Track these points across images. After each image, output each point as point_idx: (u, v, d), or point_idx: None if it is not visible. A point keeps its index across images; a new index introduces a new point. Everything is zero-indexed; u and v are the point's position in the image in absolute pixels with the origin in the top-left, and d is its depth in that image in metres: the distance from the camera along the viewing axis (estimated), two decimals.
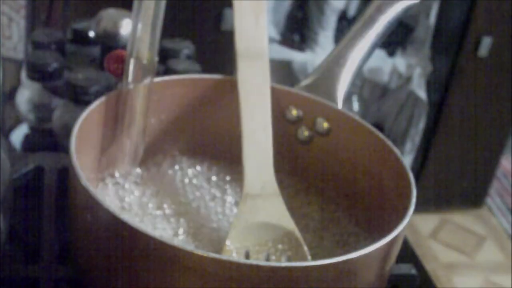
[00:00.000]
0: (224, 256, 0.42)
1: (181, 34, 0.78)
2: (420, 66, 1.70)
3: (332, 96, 0.58)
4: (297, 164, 0.60)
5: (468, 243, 1.88)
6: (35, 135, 0.73)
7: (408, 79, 1.71)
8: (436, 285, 0.58)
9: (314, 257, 0.50)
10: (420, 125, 1.74)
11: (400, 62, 1.72)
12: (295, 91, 0.58)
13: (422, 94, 1.70)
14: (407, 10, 0.63)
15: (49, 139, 0.69)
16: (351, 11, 1.69)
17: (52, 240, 0.53)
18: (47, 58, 0.68)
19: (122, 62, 0.53)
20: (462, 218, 1.95)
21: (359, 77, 1.67)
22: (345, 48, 0.60)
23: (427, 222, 1.91)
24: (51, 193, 0.58)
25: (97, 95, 0.61)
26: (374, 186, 0.55)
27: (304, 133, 0.59)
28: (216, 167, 0.60)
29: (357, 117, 0.56)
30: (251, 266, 0.40)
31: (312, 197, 0.58)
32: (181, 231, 0.52)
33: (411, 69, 1.71)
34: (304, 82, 0.60)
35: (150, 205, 0.54)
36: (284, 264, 0.44)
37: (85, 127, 0.50)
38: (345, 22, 1.68)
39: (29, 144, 0.73)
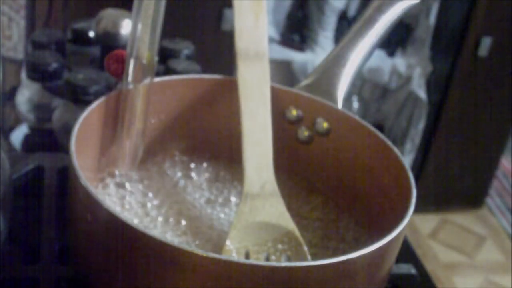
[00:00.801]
0: (224, 256, 0.42)
1: (181, 34, 0.78)
2: (420, 66, 1.70)
3: (332, 96, 0.58)
4: (297, 164, 0.59)
5: (468, 243, 1.88)
6: (35, 135, 0.73)
7: (408, 79, 1.71)
8: (436, 285, 0.58)
9: (314, 257, 0.50)
10: (420, 125, 1.74)
11: (400, 62, 1.72)
12: (295, 91, 0.58)
13: (422, 94, 1.70)
14: (407, 10, 0.63)
15: (49, 139, 0.69)
16: (351, 11, 1.69)
17: (52, 240, 0.53)
18: (47, 58, 0.68)
19: (122, 62, 0.53)
20: (462, 218, 1.95)
21: (359, 77, 1.67)
22: (345, 48, 0.60)
23: (427, 222, 1.91)
24: (51, 193, 0.58)
25: (97, 95, 0.61)
26: (374, 186, 0.55)
27: (304, 133, 0.59)
28: (216, 167, 0.60)
29: (357, 117, 0.56)
30: (251, 266, 0.40)
31: (312, 197, 0.58)
32: (181, 231, 0.52)
33: (411, 69, 1.71)
34: (304, 82, 0.60)
35: (150, 205, 0.54)
36: (284, 264, 0.44)
37: (85, 127, 0.50)
38: (345, 22, 1.68)
39: (29, 144, 0.73)
